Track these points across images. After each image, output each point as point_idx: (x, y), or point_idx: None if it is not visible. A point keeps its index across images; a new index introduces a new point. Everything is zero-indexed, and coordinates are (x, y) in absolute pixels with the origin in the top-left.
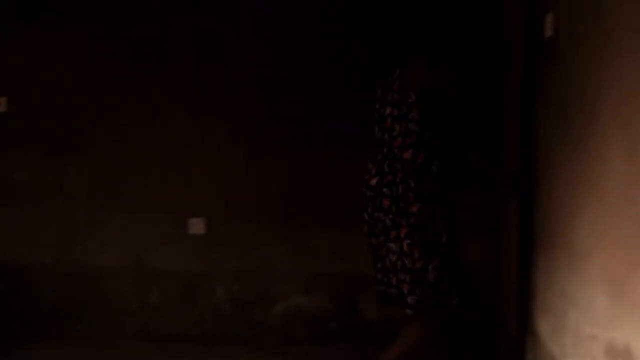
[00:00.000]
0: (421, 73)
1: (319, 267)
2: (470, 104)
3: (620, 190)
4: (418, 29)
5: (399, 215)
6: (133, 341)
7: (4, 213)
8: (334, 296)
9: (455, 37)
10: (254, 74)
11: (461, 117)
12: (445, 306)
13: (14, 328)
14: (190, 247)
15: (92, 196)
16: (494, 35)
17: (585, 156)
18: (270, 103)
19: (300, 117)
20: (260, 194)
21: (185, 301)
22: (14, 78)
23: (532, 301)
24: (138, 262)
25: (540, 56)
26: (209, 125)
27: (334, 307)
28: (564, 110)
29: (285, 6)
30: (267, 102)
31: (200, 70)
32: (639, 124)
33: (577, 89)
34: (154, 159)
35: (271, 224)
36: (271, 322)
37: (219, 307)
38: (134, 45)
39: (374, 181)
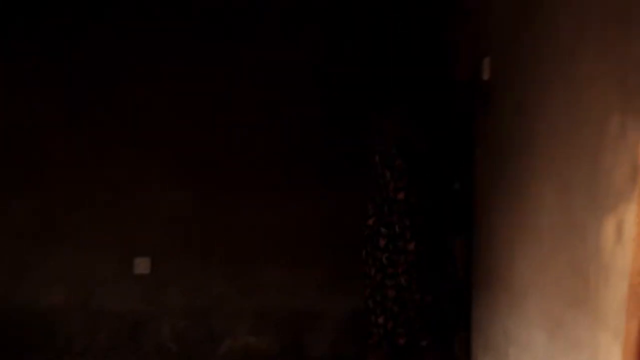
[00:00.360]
0: (397, 123)
1: (266, 305)
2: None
3: (555, 231)
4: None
5: (396, 253)
6: None
7: None
8: (281, 334)
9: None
10: (201, 114)
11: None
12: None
13: None
14: (136, 286)
15: (37, 233)
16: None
17: (521, 196)
18: (218, 142)
19: (248, 156)
20: (206, 232)
21: (131, 340)
22: None
23: (476, 339)
24: (84, 300)
25: (479, 98)
26: (156, 163)
27: (281, 346)
28: (500, 149)
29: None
30: (214, 141)
31: (147, 109)
32: (570, 167)
33: (511, 129)
34: (101, 196)
35: (218, 262)
36: None
37: (165, 346)
38: (82, 82)
39: (370, 221)
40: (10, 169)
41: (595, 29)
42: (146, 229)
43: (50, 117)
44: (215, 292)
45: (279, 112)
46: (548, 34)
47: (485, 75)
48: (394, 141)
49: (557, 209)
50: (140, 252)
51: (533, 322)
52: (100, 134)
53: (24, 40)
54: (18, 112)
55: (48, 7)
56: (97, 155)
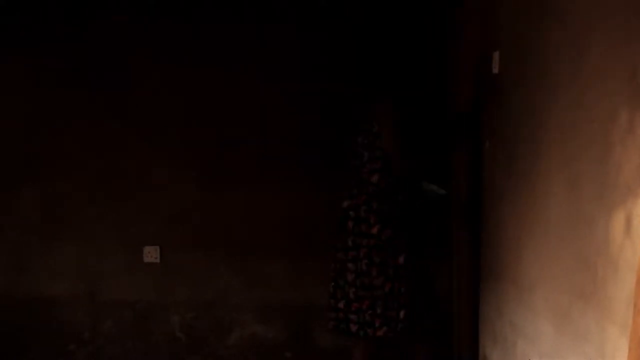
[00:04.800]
0: (389, 108)
1: (273, 296)
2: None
3: (563, 224)
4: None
5: (360, 236)
6: None
7: None
8: (288, 325)
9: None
10: (208, 103)
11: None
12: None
13: None
14: (145, 276)
15: (44, 224)
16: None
17: (530, 189)
18: (225, 133)
19: (255, 147)
20: (214, 222)
21: (140, 329)
22: None
23: (483, 331)
24: (91, 290)
25: (488, 91)
26: (163, 154)
27: (288, 337)
28: (510, 143)
29: (243, 35)
30: (221, 132)
31: (155, 99)
32: (580, 161)
33: (521, 123)
34: (108, 186)
35: (225, 253)
36: (226, 351)
37: (173, 336)
38: (89, 73)
39: (345, 203)
40: (17, 160)
41: (604, 24)
42: (154, 219)
43: (57, 108)
44: (222, 282)
45: (287, 105)
46: (557, 28)
47: (495, 69)
48: (379, 124)
49: (565, 202)
50: (149, 242)
51: (540, 314)
52: (108, 125)
53: (30, 28)
54: (24, 103)
55: None
56: (105, 146)
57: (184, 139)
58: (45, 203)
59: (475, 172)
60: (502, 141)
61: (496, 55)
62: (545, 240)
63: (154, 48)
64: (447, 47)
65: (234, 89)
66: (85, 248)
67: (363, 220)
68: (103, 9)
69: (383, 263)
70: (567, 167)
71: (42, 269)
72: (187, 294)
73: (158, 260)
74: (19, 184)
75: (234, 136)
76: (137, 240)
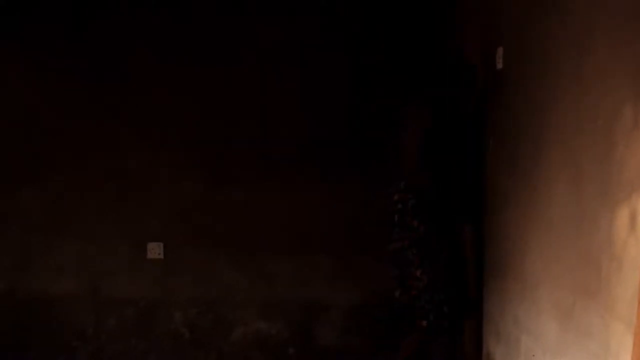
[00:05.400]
0: (423, 113)
1: (277, 293)
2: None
3: (567, 222)
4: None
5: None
6: None
7: None
8: (291, 322)
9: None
10: (212, 101)
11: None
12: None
13: None
14: (148, 273)
15: (47, 222)
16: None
17: (533, 186)
18: (230, 131)
19: (260, 146)
20: (218, 219)
21: (144, 326)
22: None
23: (487, 327)
24: (94, 287)
25: (492, 87)
26: (167, 151)
27: (291, 333)
28: (513, 140)
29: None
30: (226, 130)
31: (159, 98)
32: (583, 158)
33: (523, 121)
34: (111, 183)
35: (229, 249)
36: (229, 347)
37: (177, 333)
38: (93, 71)
39: (396, 196)
40: (19, 159)
41: (607, 23)
42: (158, 216)
43: (58, 107)
44: (226, 279)
45: (292, 101)
46: (561, 24)
47: (499, 65)
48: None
49: (569, 199)
50: (152, 238)
51: (544, 311)
52: (111, 123)
53: (39, 24)
54: (28, 102)
55: None
56: (108, 144)
57: (189, 136)
58: (48, 201)
59: (478, 170)
60: (505, 138)
61: (500, 51)
62: (548, 237)
63: (155, 48)
64: (448, 44)
65: (240, 87)
66: (89, 245)
67: (406, 213)
68: (103, 8)
69: (423, 256)
70: (571, 165)
71: (45, 267)
72: (190, 290)
73: (162, 257)
74: (21, 182)
75: (239, 134)
76: (141, 236)
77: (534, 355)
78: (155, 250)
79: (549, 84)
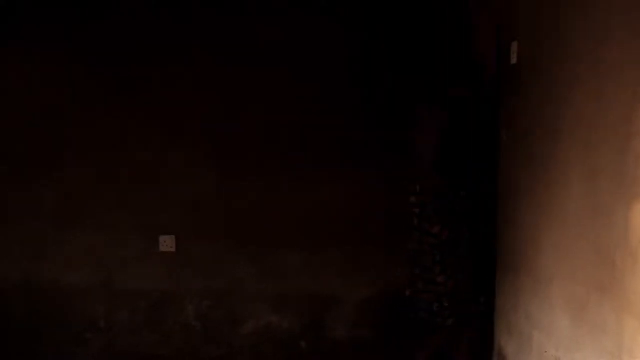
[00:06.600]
0: (439, 114)
1: (289, 286)
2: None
3: (581, 216)
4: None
5: (425, 234)
6: None
7: None
8: (303, 316)
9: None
10: (224, 95)
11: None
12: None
13: None
14: (160, 265)
15: (61, 213)
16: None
17: (547, 181)
18: (244, 124)
19: (273, 139)
20: (231, 212)
21: (155, 318)
22: None
23: (499, 322)
24: (107, 279)
25: (506, 82)
26: (180, 144)
27: (303, 327)
28: (527, 135)
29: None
30: (240, 122)
31: (171, 91)
32: (599, 152)
33: (539, 114)
34: (124, 176)
35: (241, 243)
36: (241, 341)
37: (189, 326)
38: (105, 64)
39: (412, 199)
40: (33, 150)
41: (625, 16)
42: (171, 209)
43: (74, 99)
44: (238, 272)
45: (305, 94)
46: (576, 19)
47: (513, 60)
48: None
49: (584, 193)
50: (165, 231)
51: (557, 306)
52: (125, 115)
53: (49, 18)
54: (42, 94)
55: None
56: (122, 136)
57: (202, 129)
58: (62, 193)
59: (492, 163)
60: (519, 132)
61: (514, 46)
62: (563, 232)
63: (176, 30)
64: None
65: (254, 82)
66: (101, 237)
67: (425, 218)
68: (116, 3)
69: (444, 260)
70: (586, 158)
71: (58, 258)
72: (202, 283)
73: (174, 250)
74: (36, 174)
75: (253, 128)
76: (154, 229)
77: (546, 352)
78: (167, 243)
79: (565, 77)
